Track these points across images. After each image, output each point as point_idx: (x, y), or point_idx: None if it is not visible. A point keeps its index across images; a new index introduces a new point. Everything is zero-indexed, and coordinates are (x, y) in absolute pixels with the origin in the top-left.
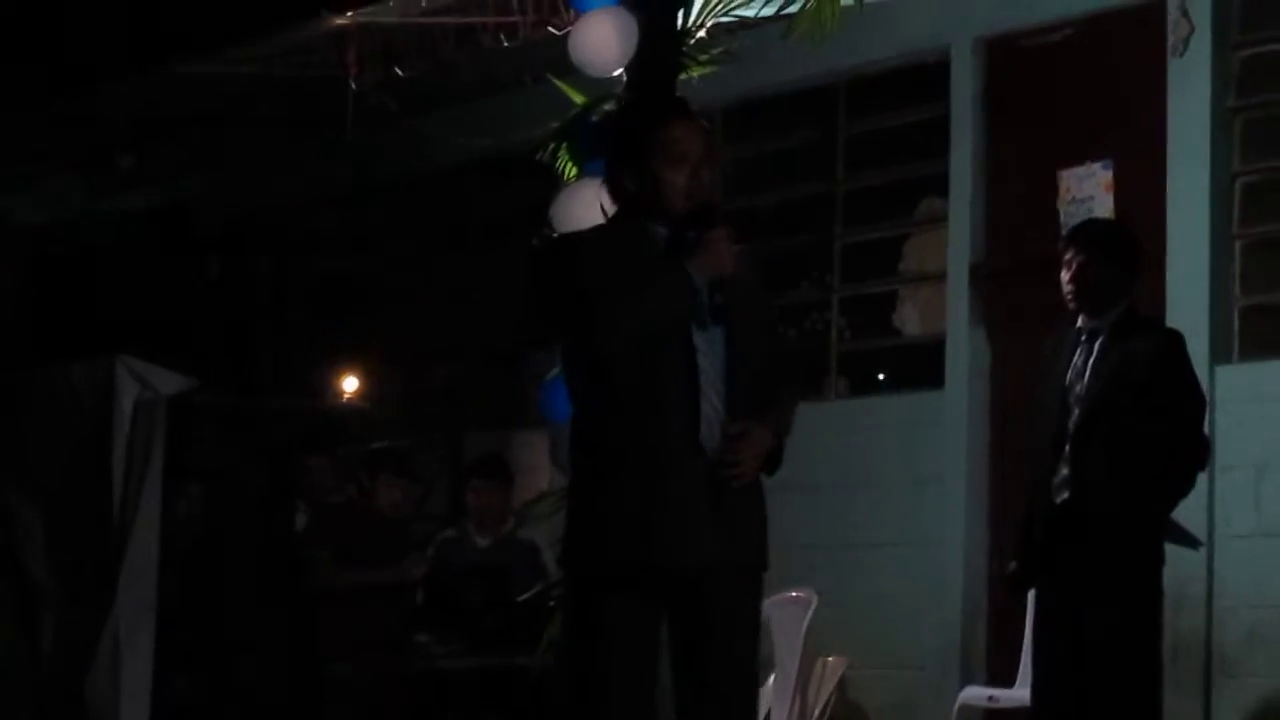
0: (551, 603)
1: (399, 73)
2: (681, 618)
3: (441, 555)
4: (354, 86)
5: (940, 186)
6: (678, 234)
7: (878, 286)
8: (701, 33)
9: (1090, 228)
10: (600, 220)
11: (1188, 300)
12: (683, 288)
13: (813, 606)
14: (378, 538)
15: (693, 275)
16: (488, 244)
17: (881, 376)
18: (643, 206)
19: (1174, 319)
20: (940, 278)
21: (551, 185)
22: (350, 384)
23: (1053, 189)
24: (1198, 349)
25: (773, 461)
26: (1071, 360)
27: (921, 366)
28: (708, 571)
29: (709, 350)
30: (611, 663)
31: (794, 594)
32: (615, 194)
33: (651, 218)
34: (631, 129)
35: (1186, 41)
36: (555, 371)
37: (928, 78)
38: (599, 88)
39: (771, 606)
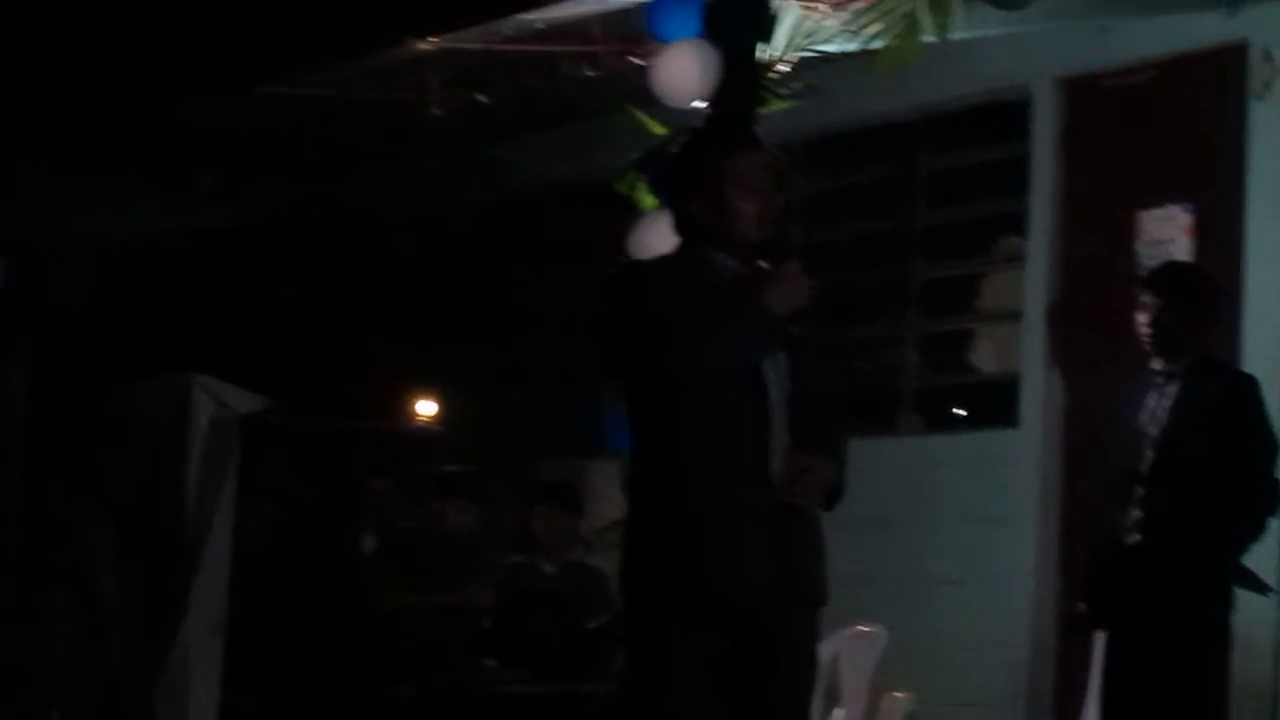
0: (620, 631)
1: (479, 99)
2: (742, 651)
3: (508, 581)
4: (434, 111)
5: (1018, 225)
6: (749, 265)
7: (954, 324)
8: (782, 66)
9: (1168, 271)
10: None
11: (1264, 344)
12: (766, 320)
13: (881, 642)
14: (445, 562)
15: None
16: (564, 271)
17: (960, 411)
18: (710, 236)
19: (1249, 363)
20: (1016, 316)
21: (628, 214)
22: (423, 407)
23: (1131, 231)
24: (1273, 394)
25: (833, 495)
26: (1145, 402)
27: (995, 405)
28: (770, 605)
29: (776, 382)
30: (673, 695)
31: (863, 629)
32: (683, 222)
33: (718, 247)
34: (704, 158)
35: (1268, 84)
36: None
37: (1008, 116)
38: (679, 119)
39: (840, 641)
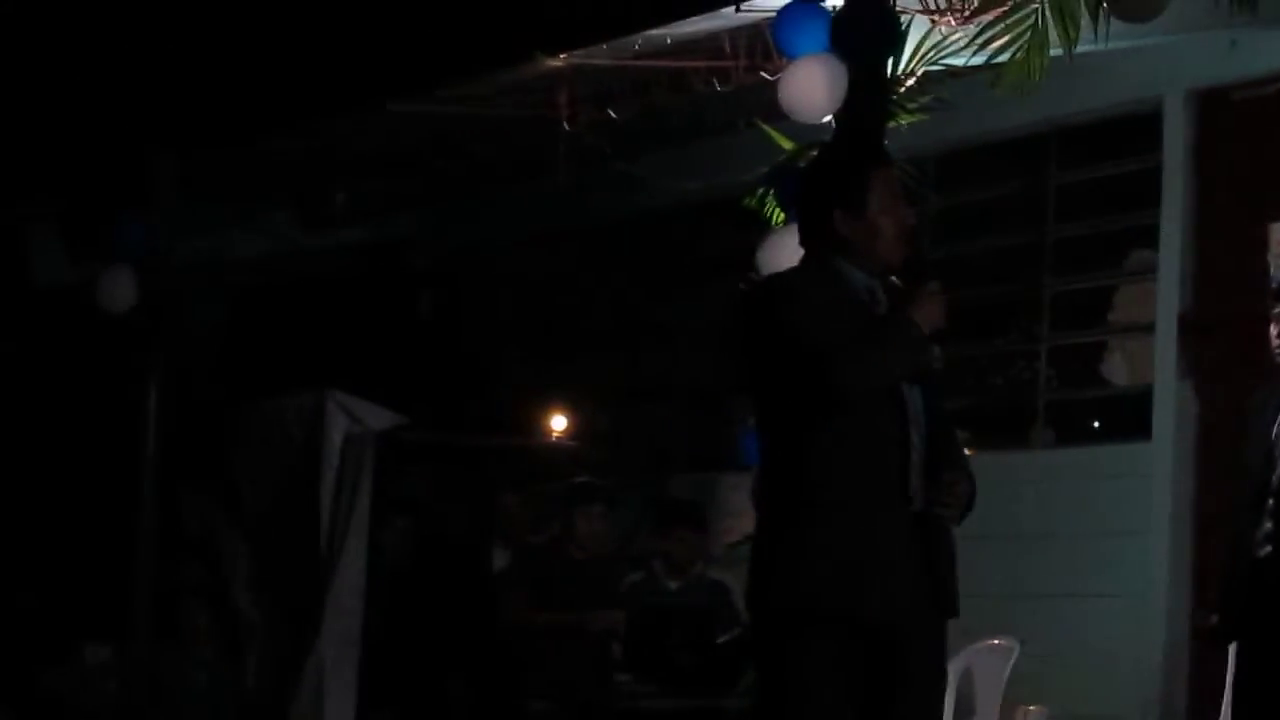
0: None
1: (611, 115)
2: (875, 663)
3: (633, 598)
4: (566, 127)
5: (1150, 238)
6: (883, 282)
7: (1086, 336)
8: (911, 81)
9: None
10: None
11: None
12: (921, 341)
13: (1014, 655)
14: (577, 579)
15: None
16: (696, 286)
17: (1096, 425)
18: (848, 250)
19: None
20: (1149, 329)
21: (759, 229)
22: (557, 423)
23: (1262, 243)
24: None
25: (967, 508)
26: (1278, 415)
27: (1128, 417)
28: (908, 619)
29: (912, 400)
30: (805, 703)
31: (996, 642)
32: (818, 235)
33: (853, 263)
34: (853, 170)
35: None
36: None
37: (1139, 129)
38: (808, 134)
39: (974, 654)
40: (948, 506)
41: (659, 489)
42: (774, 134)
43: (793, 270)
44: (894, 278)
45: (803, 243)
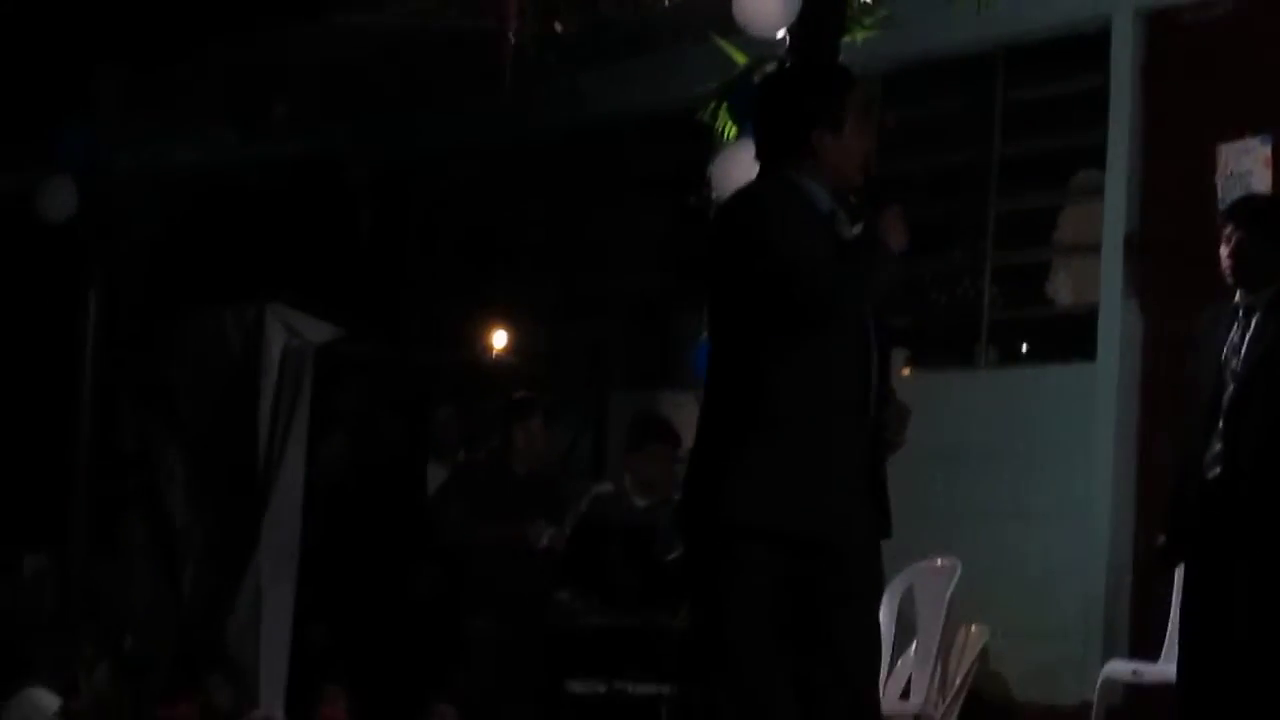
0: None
1: (558, 27)
2: (817, 580)
3: (596, 511)
4: (511, 40)
5: (1097, 158)
6: (843, 202)
7: (1031, 256)
8: None
9: (1250, 203)
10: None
11: None
12: (893, 262)
13: (956, 575)
14: (518, 495)
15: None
16: (641, 201)
17: (1040, 344)
18: (815, 169)
19: None
20: (1095, 249)
21: (706, 145)
22: (497, 339)
23: (1210, 163)
24: None
25: None
26: (1228, 336)
27: (1073, 338)
28: (856, 539)
29: (872, 323)
30: (740, 616)
31: (938, 562)
32: (789, 153)
33: (818, 181)
34: (835, 88)
35: None
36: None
37: (1087, 48)
38: (761, 48)
39: (915, 574)
40: (895, 433)
41: (600, 405)
42: (728, 47)
43: (761, 186)
44: (852, 199)
45: (768, 158)
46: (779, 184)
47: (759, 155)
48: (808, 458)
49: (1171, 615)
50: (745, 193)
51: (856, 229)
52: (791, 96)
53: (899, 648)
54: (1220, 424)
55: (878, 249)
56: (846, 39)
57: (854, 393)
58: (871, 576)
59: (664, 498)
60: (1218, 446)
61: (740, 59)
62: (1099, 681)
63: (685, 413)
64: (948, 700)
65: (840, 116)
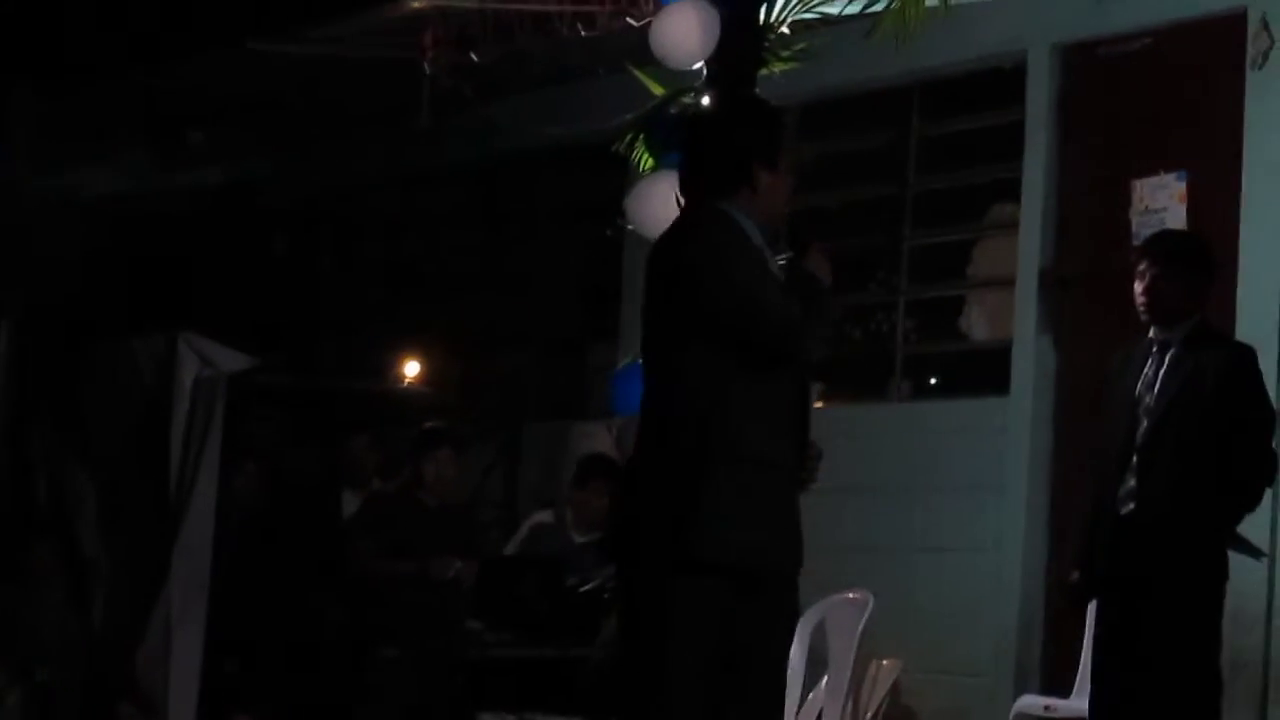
0: (606, 595)
1: (473, 58)
2: (751, 614)
3: (535, 539)
4: (427, 70)
5: (1012, 192)
6: (773, 243)
7: (945, 290)
8: (783, 28)
9: (1164, 239)
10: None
11: (1260, 314)
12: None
13: (869, 608)
14: (428, 526)
15: None
16: (556, 232)
17: (953, 379)
18: (748, 207)
19: (1245, 332)
20: (1009, 283)
21: (620, 176)
22: (411, 368)
23: (1125, 198)
24: (1269, 364)
25: None
26: (1142, 371)
27: (987, 372)
28: (784, 571)
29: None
30: (684, 647)
31: (851, 595)
32: (726, 189)
33: (749, 219)
34: (775, 124)
35: (1266, 54)
36: (626, 363)
37: (1003, 82)
38: (678, 79)
39: (828, 607)
40: (809, 471)
41: (512, 436)
42: (645, 78)
43: (700, 219)
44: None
45: (702, 191)
46: (718, 218)
47: (689, 188)
48: (768, 494)
49: (1084, 651)
50: (688, 226)
51: (780, 263)
52: (732, 130)
53: (811, 681)
54: (1134, 459)
55: (817, 286)
56: (764, 71)
57: (796, 429)
58: (789, 608)
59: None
60: (1131, 482)
61: (658, 90)
62: (1011, 717)
63: (596, 442)
64: None
65: (777, 152)
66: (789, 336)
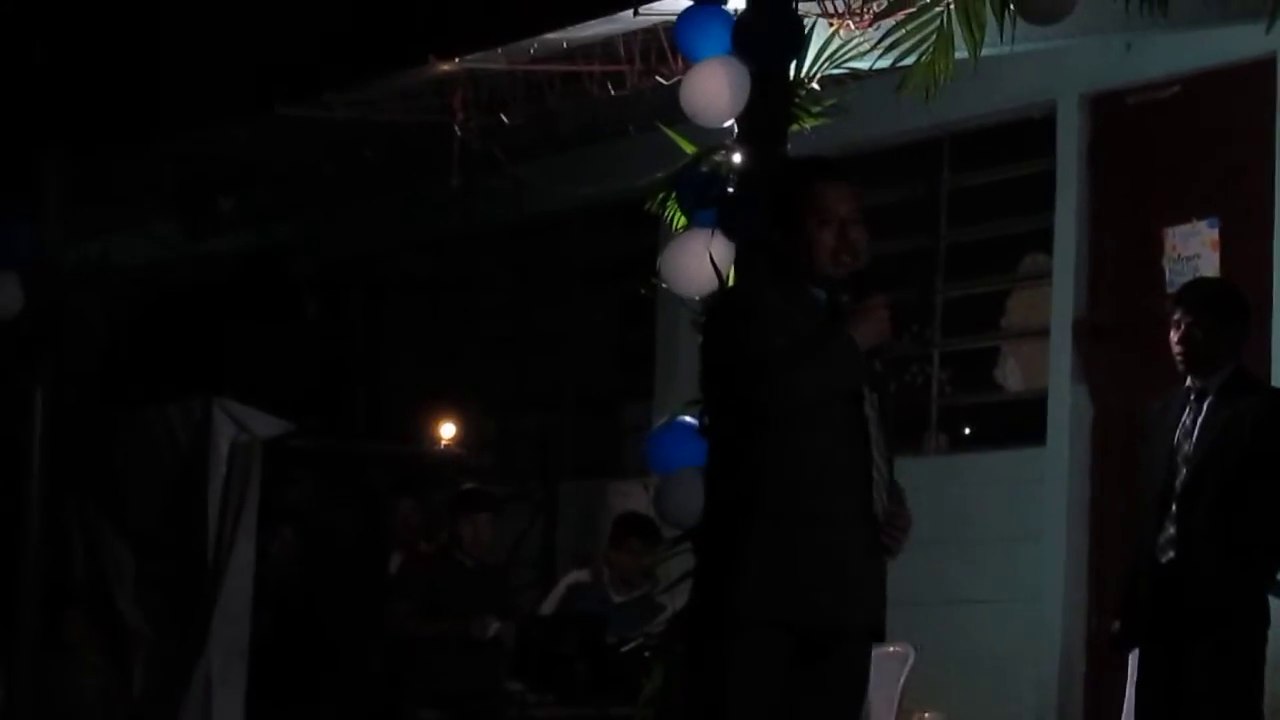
0: (647, 654)
1: (504, 120)
2: (808, 673)
3: (572, 599)
4: (458, 133)
5: (1044, 242)
6: (833, 298)
7: (980, 342)
8: (813, 84)
9: (1198, 287)
10: (710, 273)
11: None
12: (856, 355)
13: (910, 661)
14: (466, 587)
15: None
16: (586, 292)
17: (990, 430)
18: (797, 268)
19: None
20: (1043, 333)
21: (652, 235)
22: (446, 430)
23: (1158, 246)
24: None
25: None
26: (1180, 419)
27: (1023, 422)
28: (848, 635)
29: (874, 417)
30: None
31: (891, 649)
32: (765, 252)
33: (808, 280)
34: (784, 189)
35: None
36: (661, 423)
37: (1033, 133)
38: (709, 137)
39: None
40: (894, 539)
41: (549, 495)
42: (675, 137)
43: (747, 278)
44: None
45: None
46: (774, 283)
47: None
48: (817, 549)
49: (1126, 700)
50: (734, 285)
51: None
52: (763, 195)
53: None
54: (1173, 508)
55: (834, 341)
56: (794, 128)
57: (851, 481)
58: (861, 672)
59: (638, 595)
60: (1171, 530)
61: (688, 148)
62: None
63: (633, 501)
64: None
65: (792, 212)
66: (754, 393)
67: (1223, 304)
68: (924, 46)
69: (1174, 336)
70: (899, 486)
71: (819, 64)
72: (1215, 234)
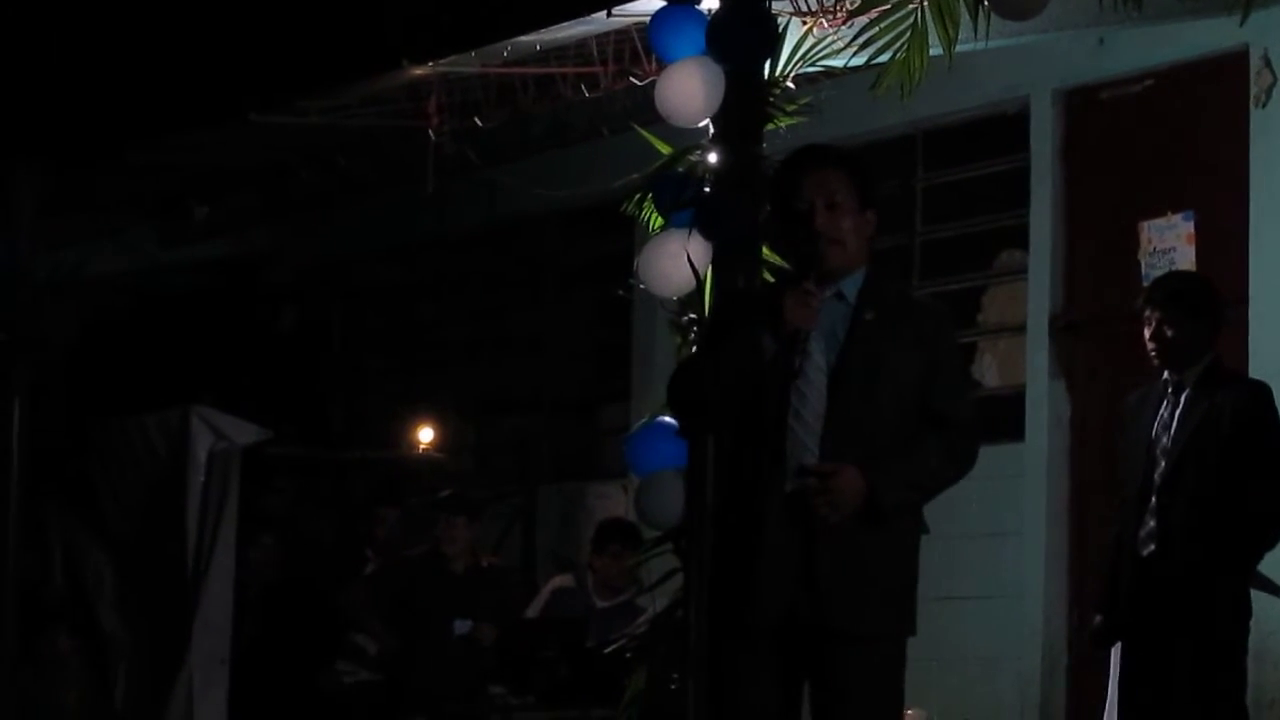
0: (629, 655)
1: (477, 123)
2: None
3: (556, 603)
4: (432, 137)
5: (1019, 238)
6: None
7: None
8: (788, 83)
9: (1166, 283)
10: (687, 273)
11: (1272, 350)
12: (749, 346)
13: None
14: (454, 589)
15: (776, 328)
16: (563, 295)
17: None
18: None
19: (1257, 370)
20: (1020, 329)
21: (627, 237)
22: (424, 435)
23: (1133, 240)
24: None
25: (871, 514)
26: (1157, 413)
27: (1001, 418)
28: (820, 632)
29: (810, 399)
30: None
31: None
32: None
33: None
34: (778, 191)
35: (1269, 92)
36: (640, 424)
37: (1007, 129)
38: (684, 138)
39: None
40: (821, 504)
41: (528, 499)
42: (651, 138)
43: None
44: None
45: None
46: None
47: None
48: (740, 546)
49: (1109, 694)
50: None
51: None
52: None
53: None
54: (1153, 501)
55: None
56: (770, 126)
57: (769, 468)
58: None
59: (622, 600)
60: (1151, 524)
61: (664, 149)
62: None
63: (612, 503)
64: None
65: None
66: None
67: (1191, 298)
68: (898, 44)
69: (1146, 333)
70: (900, 462)
71: (793, 62)
72: (1191, 227)
